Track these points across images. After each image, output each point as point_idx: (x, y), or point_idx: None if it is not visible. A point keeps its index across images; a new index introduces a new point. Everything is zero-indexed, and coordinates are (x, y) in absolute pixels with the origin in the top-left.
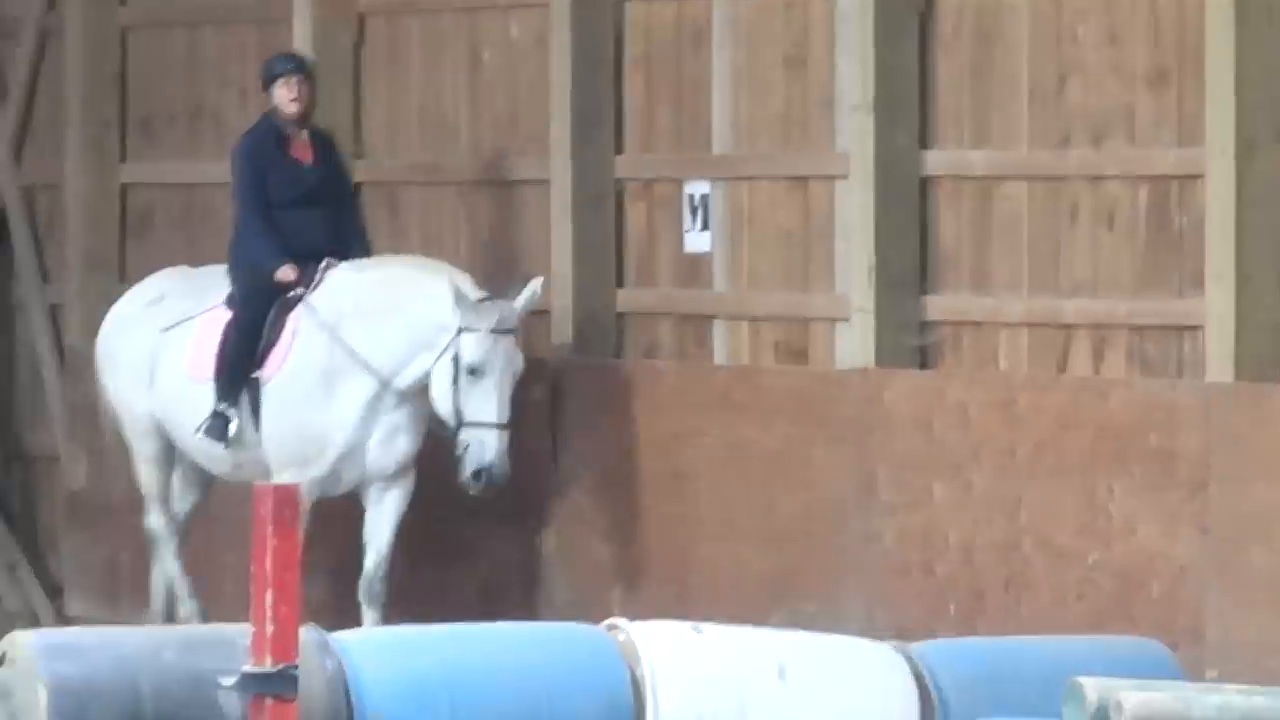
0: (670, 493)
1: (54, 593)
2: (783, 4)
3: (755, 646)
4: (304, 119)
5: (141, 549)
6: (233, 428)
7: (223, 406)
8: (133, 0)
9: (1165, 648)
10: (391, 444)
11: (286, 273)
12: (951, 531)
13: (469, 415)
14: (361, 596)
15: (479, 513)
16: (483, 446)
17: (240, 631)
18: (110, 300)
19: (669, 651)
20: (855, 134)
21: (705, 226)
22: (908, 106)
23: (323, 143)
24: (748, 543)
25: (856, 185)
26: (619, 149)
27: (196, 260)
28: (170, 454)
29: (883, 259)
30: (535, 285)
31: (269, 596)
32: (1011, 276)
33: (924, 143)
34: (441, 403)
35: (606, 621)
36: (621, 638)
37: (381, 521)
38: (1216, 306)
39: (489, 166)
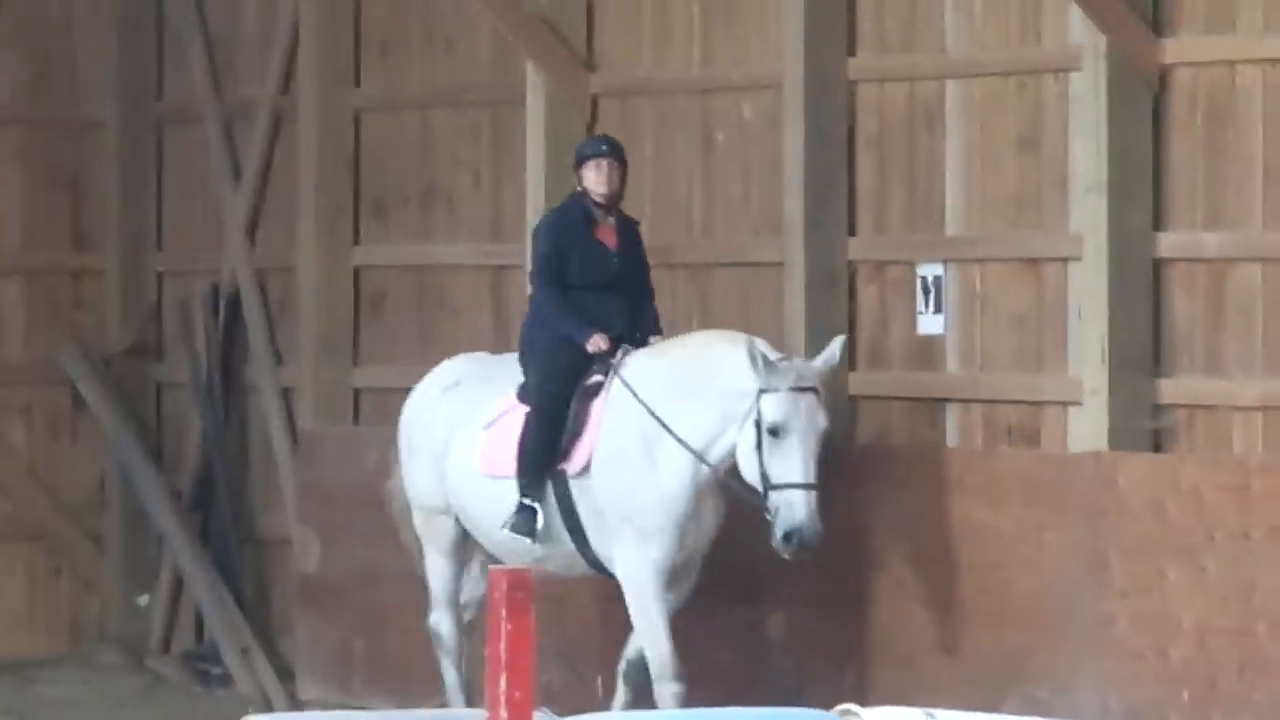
0: (904, 575)
1: (286, 676)
2: (1016, 85)
3: None
4: (612, 203)
5: (373, 630)
6: (540, 521)
7: (528, 500)
8: (366, 82)
9: None
10: (704, 524)
11: (598, 341)
12: (1185, 616)
13: (775, 477)
14: (623, 677)
15: (712, 591)
16: (791, 508)
17: (476, 716)
18: (342, 383)
19: None
20: (1088, 215)
21: (938, 309)
22: (1141, 187)
23: (627, 228)
24: (981, 626)
25: (1090, 266)
26: (852, 230)
27: (429, 342)
28: (463, 549)
29: (1116, 341)
30: (836, 344)
31: (503, 681)
32: (1245, 358)
33: (1157, 224)
34: (747, 467)
35: (839, 707)
36: None
37: (671, 602)
38: None
39: (722, 248)
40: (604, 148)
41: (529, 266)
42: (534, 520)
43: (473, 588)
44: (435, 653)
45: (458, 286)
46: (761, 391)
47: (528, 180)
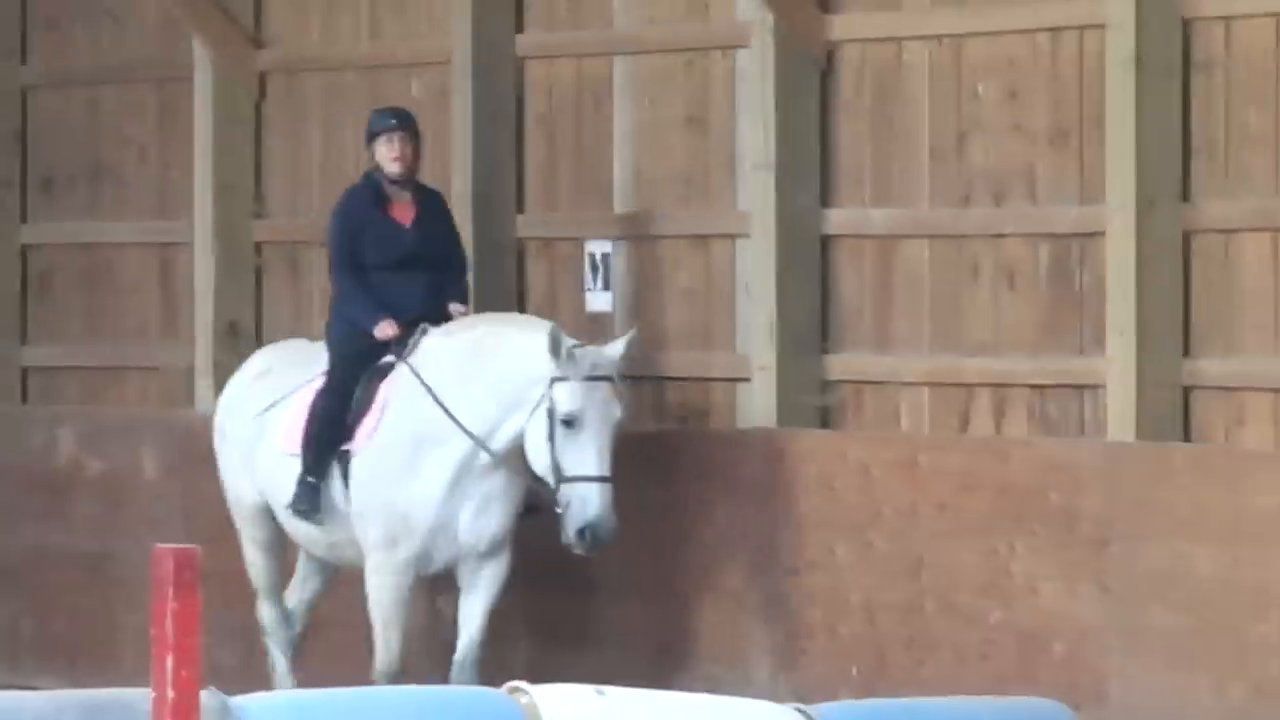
0: (575, 554)
1: None
2: (683, 63)
3: (659, 709)
4: (407, 177)
5: (41, 610)
6: (323, 500)
7: (310, 479)
8: (33, 58)
9: (1068, 709)
10: (484, 517)
11: (386, 329)
12: (853, 593)
13: (568, 470)
14: (454, 682)
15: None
16: (585, 503)
17: (142, 695)
18: (10, 362)
19: (572, 714)
20: (756, 193)
21: (606, 286)
22: (808, 165)
23: (428, 202)
24: (652, 604)
25: (758, 244)
26: (520, 207)
27: (98, 321)
28: (281, 540)
29: (784, 318)
30: (633, 333)
31: (170, 661)
32: (913, 335)
33: (825, 201)
34: (538, 459)
35: (509, 685)
36: (524, 700)
37: (475, 603)
38: (1117, 365)
39: None
40: (393, 121)
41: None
42: (315, 497)
43: (317, 585)
44: (264, 640)
45: (125, 265)
46: (555, 380)
47: (195, 158)
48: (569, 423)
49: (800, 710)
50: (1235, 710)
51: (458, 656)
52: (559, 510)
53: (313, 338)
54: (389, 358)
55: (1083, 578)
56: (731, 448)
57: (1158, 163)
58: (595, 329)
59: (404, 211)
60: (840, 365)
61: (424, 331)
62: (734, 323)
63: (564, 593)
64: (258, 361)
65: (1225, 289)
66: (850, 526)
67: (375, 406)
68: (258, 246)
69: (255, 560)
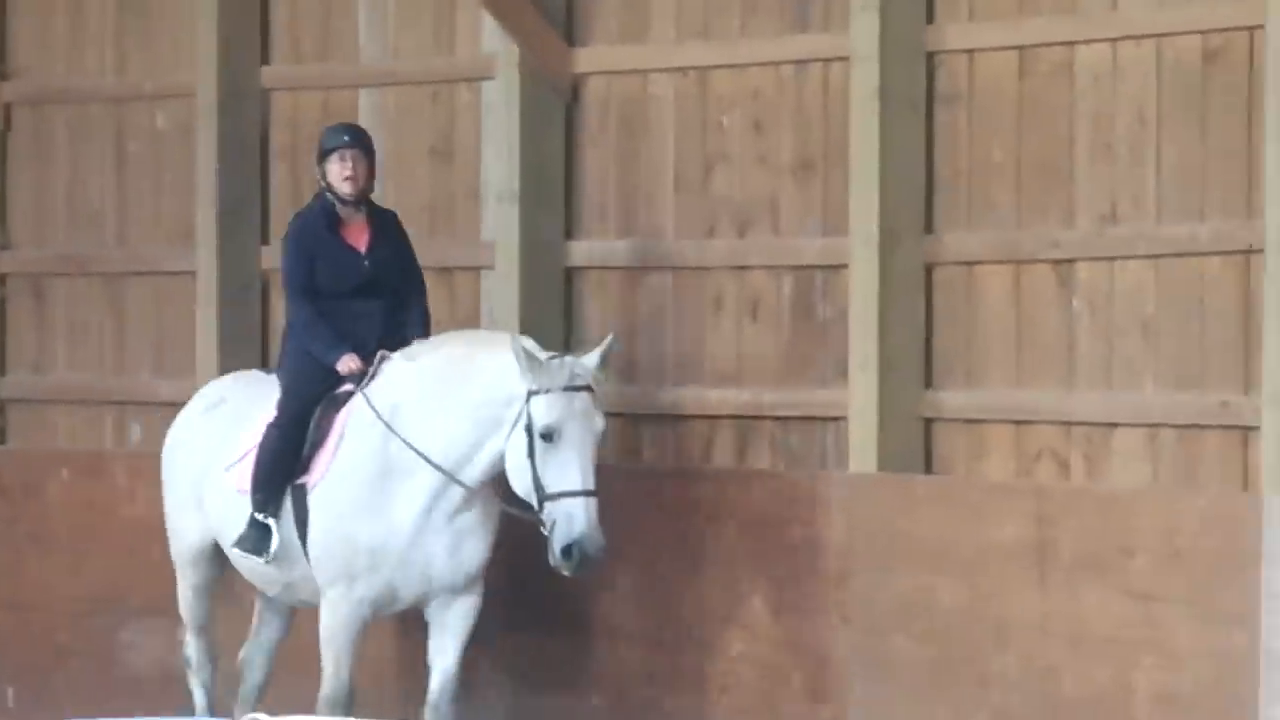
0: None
1: None
2: (430, 94)
3: None
4: (361, 198)
5: None
6: (274, 540)
7: (261, 516)
8: None
9: None
10: (460, 552)
11: (348, 363)
12: (597, 623)
13: (551, 486)
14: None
15: None
16: (571, 520)
17: None
18: None
19: None
20: (501, 224)
21: None
22: (553, 197)
23: (382, 222)
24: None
25: (502, 275)
26: (265, 239)
27: None
28: (218, 582)
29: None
30: (609, 341)
31: None
32: (656, 366)
33: (570, 233)
34: (519, 478)
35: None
36: None
37: (448, 641)
38: (859, 397)
39: (135, 258)
40: (346, 138)
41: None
42: (266, 538)
43: (263, 632)
44: (186, 676)
45: None
46: (531, 394)
47: None
48: (548, 436)
49: None
50: None
51: (432, 698)
52: (544, 531)
53: (65, 369)
54: (346, 387)
55: (824, 609)
56: None
57: (901, 195)
58: None
59: (358, 234)
60: None
61: (384, 358)
62: None
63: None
64: (210, 393)
65: (967, 321)
66: None
67: (331, 438)
68: (2, 278)
69: (188, 599)
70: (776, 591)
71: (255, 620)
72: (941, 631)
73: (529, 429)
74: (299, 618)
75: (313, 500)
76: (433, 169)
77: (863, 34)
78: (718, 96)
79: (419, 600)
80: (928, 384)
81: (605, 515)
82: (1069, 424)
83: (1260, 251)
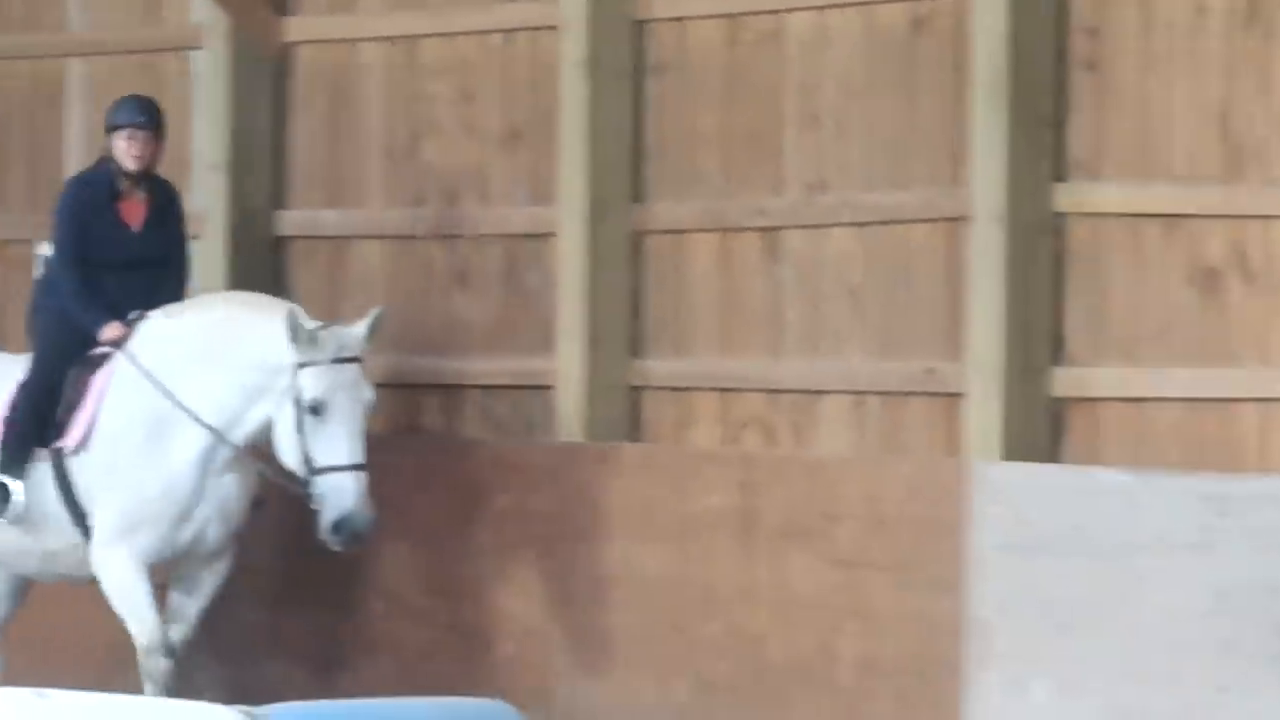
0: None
1: None
2: (138, 63)
3: (98, 712)
4: (144, 175)
5: None
6: (17, 500)
7: (4, 477)
8: None
9: (513, 709)
10: (224, 513)
11: (111, 331)
12: (304, 592)
13: (320, 460)
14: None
15: None
16: (340, 494)
17: None
18: None
19: (13, 717)
20: (209, 194)
21: None
22: (262, 166)
23: (161, 199)
24: (97, 606)
25: (210, 245)
26: None
27: None
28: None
29: None
30: (378, 312)
31: None
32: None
33: (278, 202)
34: (288, 452)
35: None
36: None
37: (193, 600)
38: (567, 366)
39: None
40: (141, 119)
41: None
42: (5, 499)
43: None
44: None
45: None
46: (300, 365)
47: None
48: (317, 410)
49: (246, 713)
50: (680, 707)
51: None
52: (313, 506)
53: None
54: (102, 349)
55: (531, 578)
56: None
57: (610, 164)
58: None
59: (134, 211)
60: None
61: (140, 316)
62: None
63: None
64: None
65: (676, 290)
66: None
67: (90, 399)
68: None
69: None
70: (483, 560)
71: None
72: (648, 599)
73: (297, 402)
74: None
75: (79, 463)
76: None
77: (571, 2)
78: (426, 66)
79: (177, 557)
80: (635, 352)
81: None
82: (776, 392)
83: (966, 219)
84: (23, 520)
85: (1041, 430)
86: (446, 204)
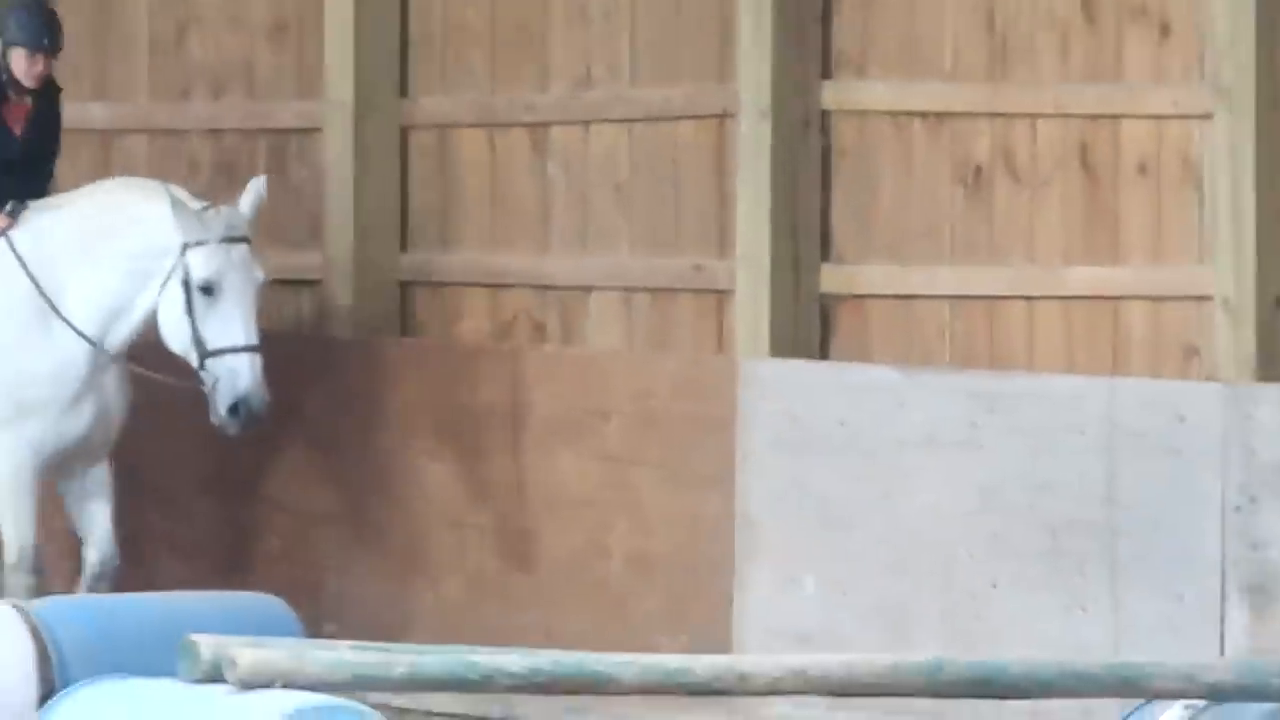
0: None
1: None
2: None
3: None
4: (36, 89)
5: None
6: None
7: None
8: None
9: (284, 603)
10: (112, 408)
11: None
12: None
13: (213, 342)
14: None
15: None
16: (235, 375)
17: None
18: None
19: None
20: None
21: None
22: None
23: (43, 102)
24: None
25: None
26: None
27: None
28: None
29: None
30: (259, 185)
31: None
32: None
33: None
34: (176, 336)
35: None
36: None
37: (100, 509)
38: (335, 261)
39: None
40: (45, 42)
41: None
42: None
43: None
44: None
45: None
46: (186, 245)
47: None
48: (208, 289)
49: (14, 605)
50: (450, 602)
51: (94, 569)
52: (205, 389)
53: None
54: None
55: (301, 473)
56: None
57: (375, 59)
58: None
59: (17, 115)
60: None
61: (17, 208)
62: None
63: None
64: None
65: (442, 186)
66: None
67: None
68: None
69: None
70: (254, 455)
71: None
72: (418, 496)
73: (186, 283)
74: None
75: None
76: None
77: None
78: None
79: (61, 457)
80: (403, 248)
81: None
82: (544, 288)
83: (734, 116)
84: None
85: (810, 327)
86: (212, 98)
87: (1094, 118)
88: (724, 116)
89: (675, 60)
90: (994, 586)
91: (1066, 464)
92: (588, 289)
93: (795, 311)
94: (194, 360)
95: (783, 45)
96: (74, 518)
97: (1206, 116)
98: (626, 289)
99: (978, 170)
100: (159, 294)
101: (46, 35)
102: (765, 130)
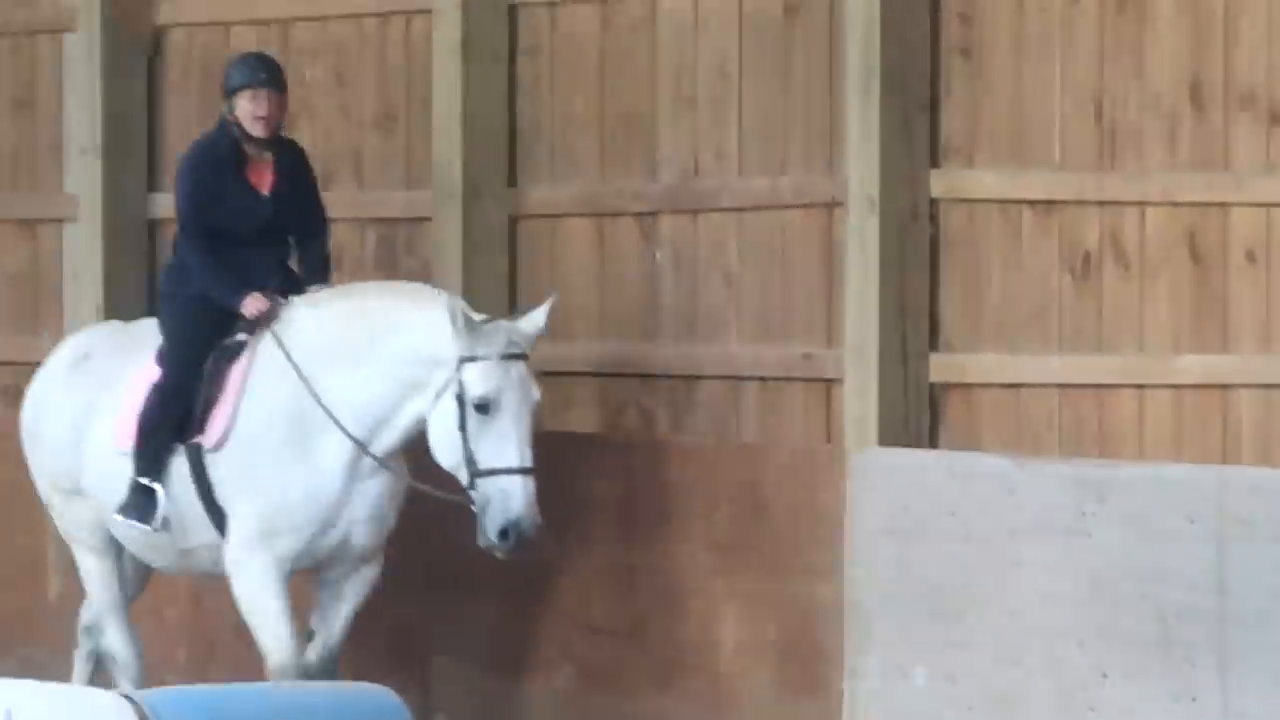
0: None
1: None
2: (10, 46)
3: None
4: (270, 137)
5: None
6: (160, 505)
7: (146, 480)
8: None
9: (392, 694)
10: (377, 516)
11: (255, 303)
12: (182, 576)
13: (485, 462)
14: None
15: None
16: (508, 497)
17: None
18: None
19: None
20: (84, 177)
21: None
22: (136, 149)
23: (289, 161)
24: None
25: (85, 228)
26: None
27: None
28: (116, 542)
29: (111, 301)
30: (550, 302)
31: None
32: None
33: (152, 185)
34: (447, 451)
35: None
36: None
37: (340, 608)
38: None
39: None
40: (262, 76)
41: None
42: (152, 503)
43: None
44: (111, 672)
45: None
46: (464, 360)
47: None
48: (483, 408)
49: (125, 696)
50: (560, 693)
51: (315, 660)
52: (474, 509)
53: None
54: (240, 336)
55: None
56: None
57: (483, 148)
58: None
59: (261, 175)
60: None
61: (284, 304)
62: (61, 306)
63: None
64: (73, 348)
65: (552, 274)
66: None
67: (229, 391)
68: None
69: (92, 569)
70: None
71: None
72: (533, 585)
73: (460, 398)
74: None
75: (218, 459)
76: (15, 121)
77: None
78: (300, 49)
79: (322, 564)
80: None
81: None
82: (653, 376)
83: (842, 205)
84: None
85: (919, 416)
86: (323, 187)
87: (1203, 205)
88: (832, 205)
89: (783, 149)
90: (1104, 676)
91: (1176, 552)
92: (696, 378)
93: (904, 399)
94: (463, 478)
95: (891, 134)
96: (315, 611)
97: None
98: (735, 377)
99: (1086, 258)
100: (431, 406)
101: (264, 70)
102: (873, 219)
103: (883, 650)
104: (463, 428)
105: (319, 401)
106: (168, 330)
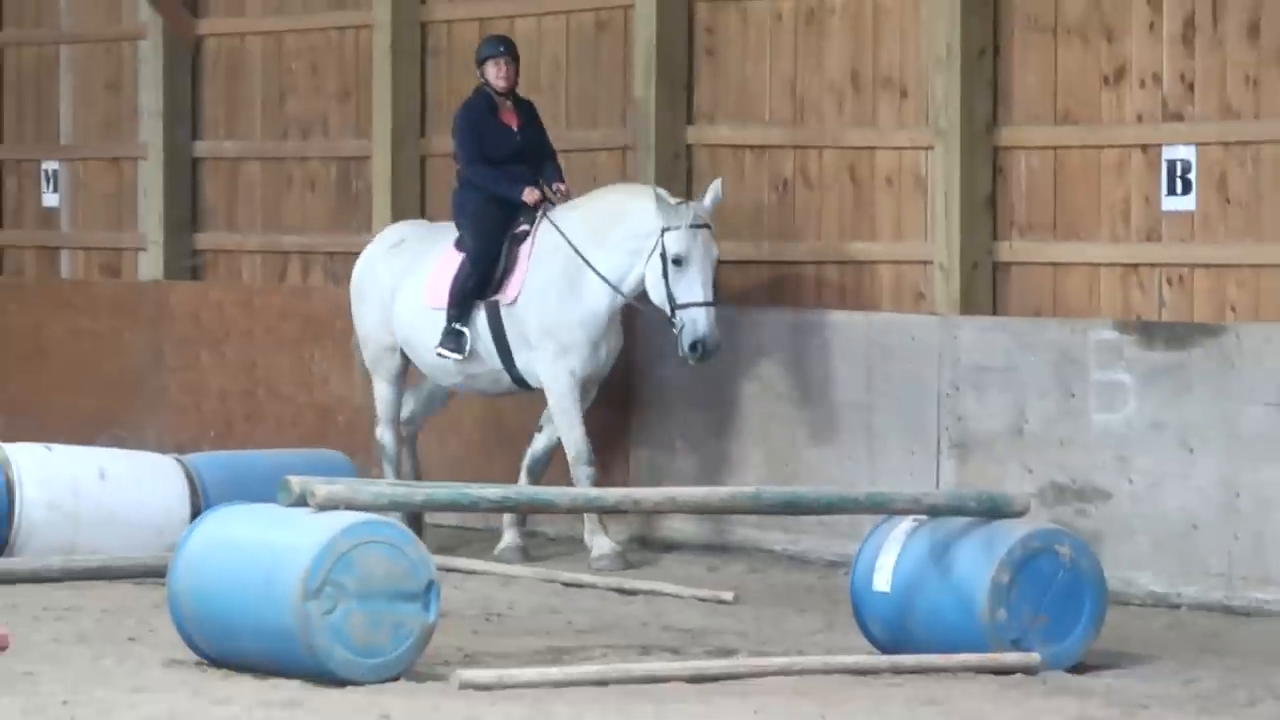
0: (31, 361)
1: None
2: (105, 48)
3: (86, 458)
4: (509, 91)
5: None
6: (466, 341)
7: (458, 325)
8: None
9: (346, 457)
10: (611, 346)
11: (532, 193)
12: (211, 382)
13: (680, 298)
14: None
15: None
16: (696, 323)
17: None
18: None
19: (28, 461)
20: (151, 131)
21: (56, 189)
22: (184, 114)
23: (525, 110)
24: (85, 394)
25: (150, 166)
26: None
27: None
28: (403, 378)
29: (169, 208)
30: (718, 185)
31: None
32: (249, 222)
33: (196, 135)
34: (656, 293)
35: None
36: None
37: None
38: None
39: None
40: (501, 49)
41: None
42: (462, 340)
43: (414, 407)
44: (379, 459)
45: None
46: (665, 230)
47: None
48: (678, 262)
49: (176, 458)
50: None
51: (532, 450)
52: (675, 332)
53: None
54: (524, 226)
55: (351, 369)
56: (134, 292)
57: (407, 111)
58: (48, 219)
59: (509, 117)
60: (204, 240)
61: (550, 207)
62: (137, 211)
63: (24, 387)
64: (390, 234)
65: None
66: (210, 342)
67: (520, 262)
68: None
69: (384, 394)
70: (327, 362)
71: (424, 391)
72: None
73: (663, 256)
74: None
75: (513, 310)
76: (107, 96)
77: (381, 9)
78: (289, 50)
79: (590, 379)
80: None
81: None
82: None
83: (632, 149)
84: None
85: None
86: (303, 138)
87: (857, 149)
88: (625, 149)
89: (594, 114)
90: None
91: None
92: None
93: None
94: (667, 310)
95: (662, 104)
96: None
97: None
98: None
99: (784, 183)
100: (646, 264)
101: (502, 45)
102: (650, 158)
103: None
104: (665, 275)
105: (587, 262)
106: (469, 225)
